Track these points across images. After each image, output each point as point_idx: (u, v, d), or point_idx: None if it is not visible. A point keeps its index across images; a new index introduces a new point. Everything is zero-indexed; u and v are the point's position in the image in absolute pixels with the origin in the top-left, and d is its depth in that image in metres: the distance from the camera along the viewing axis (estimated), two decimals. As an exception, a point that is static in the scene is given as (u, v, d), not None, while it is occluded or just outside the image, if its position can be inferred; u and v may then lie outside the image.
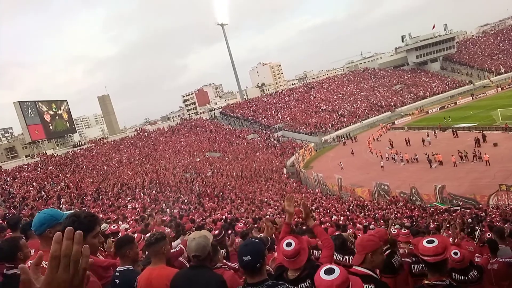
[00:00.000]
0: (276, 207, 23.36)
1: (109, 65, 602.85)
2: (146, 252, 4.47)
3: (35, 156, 43.36)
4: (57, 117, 53.86)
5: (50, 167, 37.90)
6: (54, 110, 53.57)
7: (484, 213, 18.34)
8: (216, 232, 5.71)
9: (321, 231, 3.26)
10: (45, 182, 31.01)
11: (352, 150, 44.94)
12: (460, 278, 4.19)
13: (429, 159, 32.93)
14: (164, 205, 23.95)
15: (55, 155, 44.07)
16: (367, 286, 2.76)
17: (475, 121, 44.04)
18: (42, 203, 22.54)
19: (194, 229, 8.90)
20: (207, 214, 19.32)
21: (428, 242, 2.83)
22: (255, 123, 63.11)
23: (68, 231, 1.21)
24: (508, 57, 79.45)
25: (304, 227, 9.39)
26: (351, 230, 11.28)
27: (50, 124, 51.97)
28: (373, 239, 3.16)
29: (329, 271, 2.12)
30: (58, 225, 2.84)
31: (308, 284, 3.03)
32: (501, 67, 75.28)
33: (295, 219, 3.24)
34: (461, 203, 23.41)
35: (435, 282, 2.73)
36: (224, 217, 16.79)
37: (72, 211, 2.79)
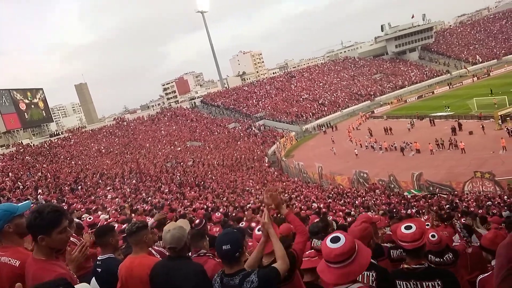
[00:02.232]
0: (257, 196, 23.48)
1: (86, 53, 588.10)
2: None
3: (11, 146, 42.20)
4: (32, 106, 52.42)
5: (26, 157, 36.98)
6: (29, 98, 52.10)
7: (459, 200, 18.88)
8: (197, 221, 5.70)
9: (293, 218, 3.28)
10: (21, 173, 30.27)
11: (333, 138, 45.26)
12: (436, 260, 4.30)
13: (402, 148, 33.88)
14: (144, 194, 23.76)
15: (31, 144, 42.99)
16: (369, 273, 2.77)
17: (451, 110, 44.98)
18: (18, 194, 22.04)
19: (175, 218, 8.88)
20: (188, 203, 19.27)
21: (406, 228, 2.84)
22: (236, 112, 62.89)
23: None
24: (484, 47, 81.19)
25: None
26: (331, 217, 11.46)
27: (25, 113, 50.57)
28: (368, 226, 3.20)
29: (335, 240, 2.14)
30: (16, 218, 2.75)
31: None
32: (477, 57, 76.87)
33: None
34: (437, 190, 24.02)
35: (414, 266, 2.78)
36: (205, 206, 16.79)
37: (38, 205, 2.70)
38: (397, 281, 2.78)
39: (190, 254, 3.48)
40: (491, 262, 3.23)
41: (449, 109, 44.83)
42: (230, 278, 2.55)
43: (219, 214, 7.89)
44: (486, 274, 3.15)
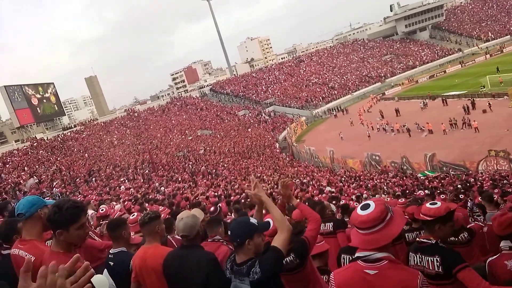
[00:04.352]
0: (269, 182, 23.52)
1: (94, 46, 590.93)
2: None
3: (25, 140, 42.88)
4: (44, 101, 53.02)
5: (40, 151, 37.58)
6: (41, 93, 52.67)
7: (473, 179, 18.66)
8: (212, 209, 5.73)
9: (304, 208, 3.29)
10: (37, 166, 30.80)
11: (351, 120, 44.70)
12: (451, 239, 4.27)
13: (408, 129, 33.84)
14: (157, 184, 24.00)
15: (45, 139, 43.63)
16: (433, 258, 2.76)
17: (464, 88, 44.15)
18: (34, 187, 22.46)
19: (188, 206, 8.95)
20: (201, 192, 19.39)
21: (431, 204, 2.89)
22: (245, 99, 62.72)
23: (51, 266, 1.20)
24: (496, 23, 79.11)
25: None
26: (344, 201, 11.42)
27: (38, 108, 51.20)
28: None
29: (364, 207, 2.20)
30: (45, 207, 2.85)
31: (292, 258, 3.08)
32: (489, 33, 75.05)
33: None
34: (450, 170, 23.77)
35: (422, 240, 2.80)
36: (217, 193, 16.91)
37: (57, 199, 2.76)
38: (410, 253, 2.85)
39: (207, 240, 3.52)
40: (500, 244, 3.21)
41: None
42: (239, 267, 2.57)
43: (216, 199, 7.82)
44: (495, 257, 3.14)
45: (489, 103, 34.04)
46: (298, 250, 3.08)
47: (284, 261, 3.04)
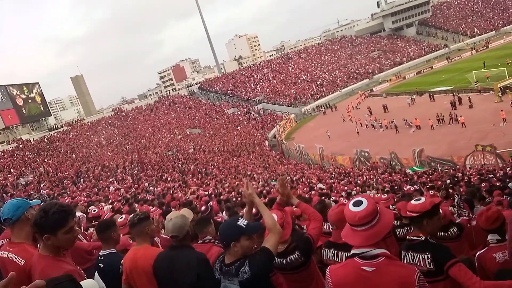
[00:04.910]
0: (259, 180, 23.53)
1: (80, 45, 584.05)
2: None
3: (10, 142, 42.23)
4: (29, 101, 52.16)
5: (27, 153, 37.04)
6: (26, 93, 51.78)
7: (461, 174, 18.89)
8: (203, 208, 5.71)
9: (306, 207, 3.29)
10: (23, 168, 30.36)
11: (343, 117, 44.79)
12: (440, 234, 4.31)
13: (395, 125, 34.14)
14: (147, 184, 23.83)
15: (31, 140, 43.01)
16: (423, 255, 2.77)
17: (450, 84, 44.67)
18: (21, 189, 22.14)
19: (179, 206, 8.89)
20: (191, 191, 19.31)
21: (416, 200, 2.91)
22: (234, 97, 62.58)
23: None
24: (482, 19, 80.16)
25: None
26: (334, 197, 11.48)
27: (23, 108, 50.35)
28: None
29: (357, 203, 2.20)
30: (31, 209, 2.82)
31: (297, 256, 3.04)
32: (475, 29, 76.00)
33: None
34: (438, 165, 24.04)
35: (412, 237, 2.81)
36: (207, 192, 16.86)
37: (46, 202, 2.70)
38: (402, 251, 2.85)
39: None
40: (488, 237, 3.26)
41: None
42: (228, 267, 2.57)
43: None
44: (484, 250, 3.18)
45: (469, 98, 34.69)
46: (303, 247, 3.06)
47: (289, 259, 3.03)
